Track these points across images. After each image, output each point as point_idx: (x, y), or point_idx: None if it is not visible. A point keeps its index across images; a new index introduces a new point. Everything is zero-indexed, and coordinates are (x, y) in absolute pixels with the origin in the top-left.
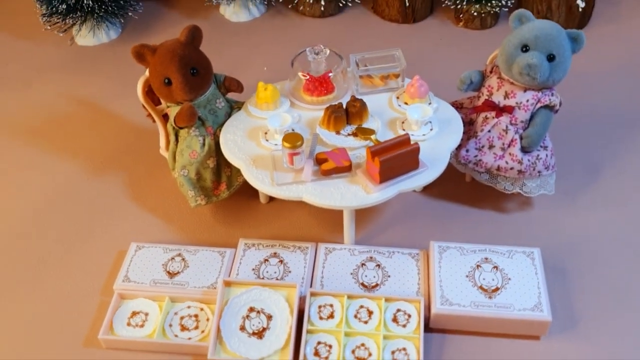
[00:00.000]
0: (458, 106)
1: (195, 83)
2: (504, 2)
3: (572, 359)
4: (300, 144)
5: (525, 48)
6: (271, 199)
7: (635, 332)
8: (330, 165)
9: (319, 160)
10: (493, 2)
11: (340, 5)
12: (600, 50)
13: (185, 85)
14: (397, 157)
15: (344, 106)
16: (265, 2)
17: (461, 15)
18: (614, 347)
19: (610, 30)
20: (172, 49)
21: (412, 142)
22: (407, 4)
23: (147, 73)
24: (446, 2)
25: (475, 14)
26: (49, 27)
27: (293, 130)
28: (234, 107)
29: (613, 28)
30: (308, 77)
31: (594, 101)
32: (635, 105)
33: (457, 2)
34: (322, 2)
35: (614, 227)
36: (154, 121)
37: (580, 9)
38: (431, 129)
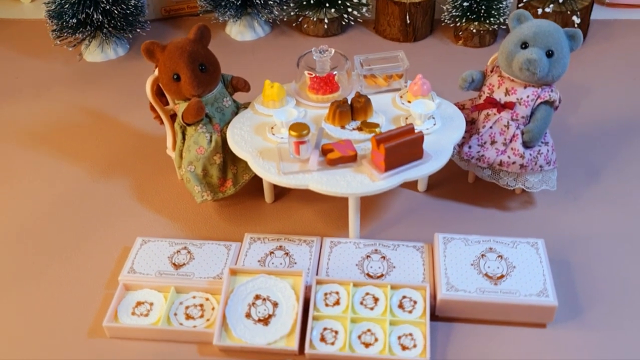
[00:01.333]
0: (460, 107)
1: (204, 79)
2: (501, 20)
3: (579, 346)
4: (306, 133)
5: (524, 45)
6: (276, 198)
7: (639, 321)
8: (336, 155)
9: (325, 151)
10: (491, 19)
11: (343, 23)
12: (596, 64)
13: (194, 80)
14: (402, 145)
15: (349, 102)
16: (270, 22)
17: (460, 33)
18: (620, 335)
19: (605, 47)
20: (182, 45)
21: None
22: (408, 23)
23: (156, 72)
24: (445, 20)
25: (474, 31)
26: (58, 42)
27: None
28: (240, 107)
29: (607, 45)
30: (313, 75)
31: (592, 109)
32: (629, 113)
33: (456, 20)
34: (326, 21)
35: (615, 223)
36: (161, 123)
37: (576, 25)
38: (434, 124)
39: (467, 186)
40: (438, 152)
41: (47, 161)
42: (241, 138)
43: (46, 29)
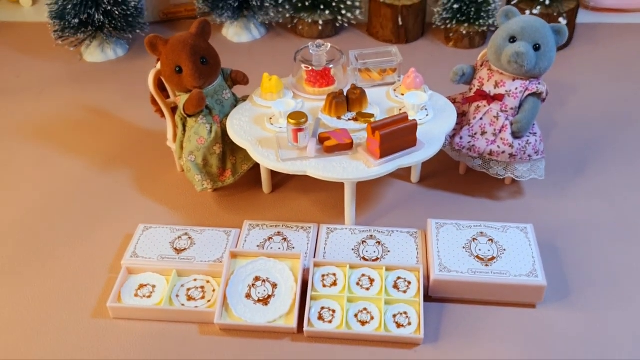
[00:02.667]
0: (452, 101)
1: (205, 71)
2: (490, 22)
3: (567, 325)
4: (304, 121)
5: (512, 39)
6: (274, 188)
7: (624, 302)
8: (333, 143)
9: (322, 139)
10: (481, 21)
11: (337, 26)
12: (582, 65)
13: (195, 72)
14: (396, 132)
15: (345, 94)
16: (266, 24)
17: (451, 35)
18: (606, 315)
19: (589, 49)
20: (184, 39)
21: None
22: (400, 25)
23: (158, 66)
24: (436, 23)
25: (464, 32)
26: (60, 42)
27: None
28: (239, 100)
29: (592, 47)
30: (310, 69)
31: (578, 107)
32: (612, 110)
33: (447, 22)
34: (320, 23)
35: (600, 212)
36: (162, 116)
37: None
38: (427, 115)
39: (458, 177)
40: (431, 141)
41: (51, 155)
42: (241, 128)
43: (46, 31)
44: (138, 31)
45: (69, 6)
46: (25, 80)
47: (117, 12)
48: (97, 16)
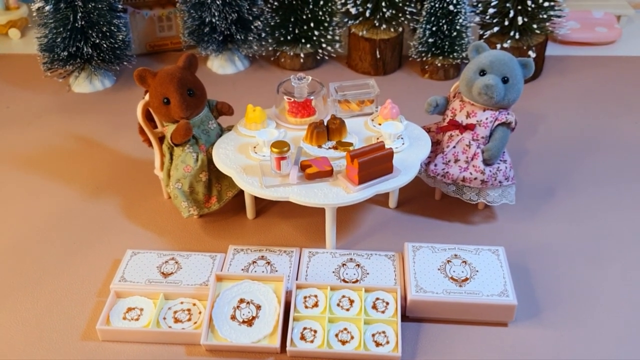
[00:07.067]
0: (426, 130)
1: (192, 102)
2: (464, 55)
3: (538, 343)
4: (286, 150)
5: (482, 72)
6: (257, 214)
7: (591, 320)
8: (314, 170)
9: (304, 167)
10: (454, 54)
11: (318, 58)
12: (551, 95)
13: (182, 103)
14: (374, 160)
15: (325, 124)
16: (249, 57)
17: (426, 67)
18: (575, 332)
19: (558, 80)
20: (172, 72)
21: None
22: (378, 57)
23: (146, 97)
24: (412, 55)
25: (439, 65)
26: (49, 74)
27: None
28: (224, 130)
29: (561, 78)
30: (292, 100)
31: (547, 135)
32: (580, 138)
33: (423, 55)
34: (302, 56)
35: (568, 234)
36: (149, 145)
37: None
38: (403, 143)
39: (434, 203)
40: (407, 168)
41: (40, 183)
42: (226, 156)
43: (35, 62)
44: (125, 63)
45: (59, 39)
46: (15, 111)
47: (105, 45)
48: (85, 49)
